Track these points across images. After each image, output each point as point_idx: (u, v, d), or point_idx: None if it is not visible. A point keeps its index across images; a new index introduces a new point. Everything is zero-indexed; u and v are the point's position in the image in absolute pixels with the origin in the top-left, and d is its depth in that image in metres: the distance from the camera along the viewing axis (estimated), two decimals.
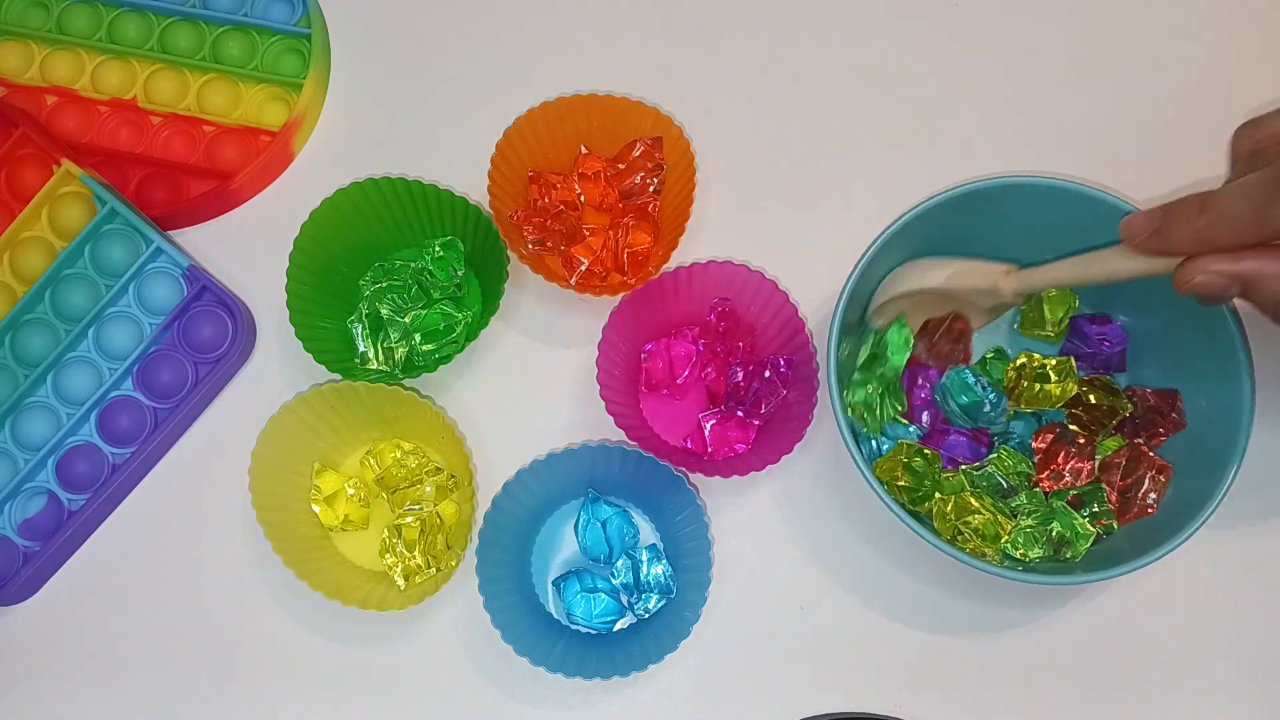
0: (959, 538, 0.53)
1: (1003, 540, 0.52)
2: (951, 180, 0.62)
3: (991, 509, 0.53)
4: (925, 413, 0.57)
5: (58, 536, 0.58)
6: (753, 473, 0.55)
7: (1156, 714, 0.55)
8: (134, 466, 0.59)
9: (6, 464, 0.59)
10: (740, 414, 0.57)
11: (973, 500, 0.53)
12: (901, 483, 0.54)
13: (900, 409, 0.56)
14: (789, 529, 0.58)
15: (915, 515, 0.53)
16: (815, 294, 0.60)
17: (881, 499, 0.50)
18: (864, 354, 0.57)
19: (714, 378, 0.59)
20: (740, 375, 0.57)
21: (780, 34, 0.66)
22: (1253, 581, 0.57)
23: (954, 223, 0.55)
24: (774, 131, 0.65)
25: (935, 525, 0.54)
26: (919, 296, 0.55)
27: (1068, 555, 0.53)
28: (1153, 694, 0.56)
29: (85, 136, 0.65)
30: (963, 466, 0.54)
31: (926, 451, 0.54)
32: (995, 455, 0.55)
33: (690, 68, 0.65)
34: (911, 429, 0.57)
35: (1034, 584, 0.53)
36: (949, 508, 0.53)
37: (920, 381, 0.57)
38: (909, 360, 0.56)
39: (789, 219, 0.63)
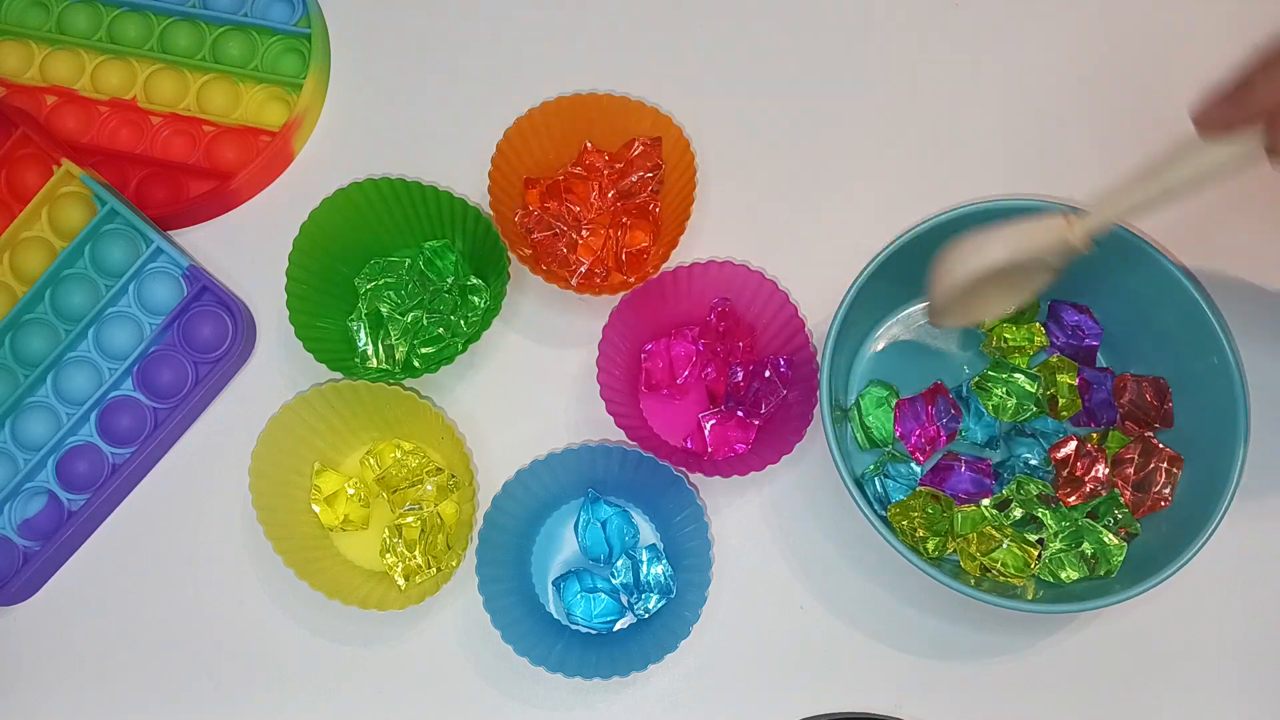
0: (988, 574, 0.53)
1: (1033, 567, 0.53)
2: (950, 180, 0.63)
3: (1015, 538, 0.53)
4: (926, 446, 0.56)
5: (58, 536, 0.58)
6: (753, 473, 0.55)
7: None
8: (134, 466, 0.59)
9: (6, 464, 0.59)
10: (740, 414, 0.57)
11: (996, 533, 0.53)
12: (919, 533, 0.54)
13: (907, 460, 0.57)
14: (789, 529, 0.58)
15: (916, 550, 0.53)
16: (815, 294, 0.60)
17: (898, 550, 0.50)
18: (856, 435, 0.57)
19: (714, 378, 0.59)
20: (740, 375, 0.57)
21: (781, 34, 0.66)
22: (1267, 588, 0.57)
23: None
24: (774, 131, 0.65)
25: (962, 564, 0.54)
26: (981, 278, 0.50)
27: (1103, 571, 0.53)
28: (1168, 700, 0.56)
29: (85, 136, 0.65)
30: (984, 503, 0.54)
31: (940, 496, 0.54)
32: (1012, 487, 0.54)
33: (690, 68, 0.65)
34: (915, 467, 0.56)
35: (1073, 613, 0.53)
36: (973, 546, 0.53)
37: (924, 419, 0.56)
38: (908, 398, 0.57)
39: (789, 219, 0.63)
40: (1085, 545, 0.53)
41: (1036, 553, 0.53)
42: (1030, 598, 0.52)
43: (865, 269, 0.53)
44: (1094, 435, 0.56)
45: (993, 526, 0.53)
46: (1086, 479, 0.54)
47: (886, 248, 0.53)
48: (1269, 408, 0.56)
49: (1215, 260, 0.60)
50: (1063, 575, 0.53)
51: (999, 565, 0.52)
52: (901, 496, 0.55)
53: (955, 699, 0.55)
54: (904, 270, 0.54)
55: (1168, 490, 0.53)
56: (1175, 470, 0.54)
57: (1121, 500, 0.54)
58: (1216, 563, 0.54)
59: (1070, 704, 0.55)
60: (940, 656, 0.56)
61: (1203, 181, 0.43)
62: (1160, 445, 0.54)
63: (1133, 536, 0.54)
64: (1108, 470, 0.54)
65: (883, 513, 0.55)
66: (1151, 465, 0.54)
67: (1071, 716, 0.55)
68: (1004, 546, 0.52)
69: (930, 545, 0.53)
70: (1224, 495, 0.50)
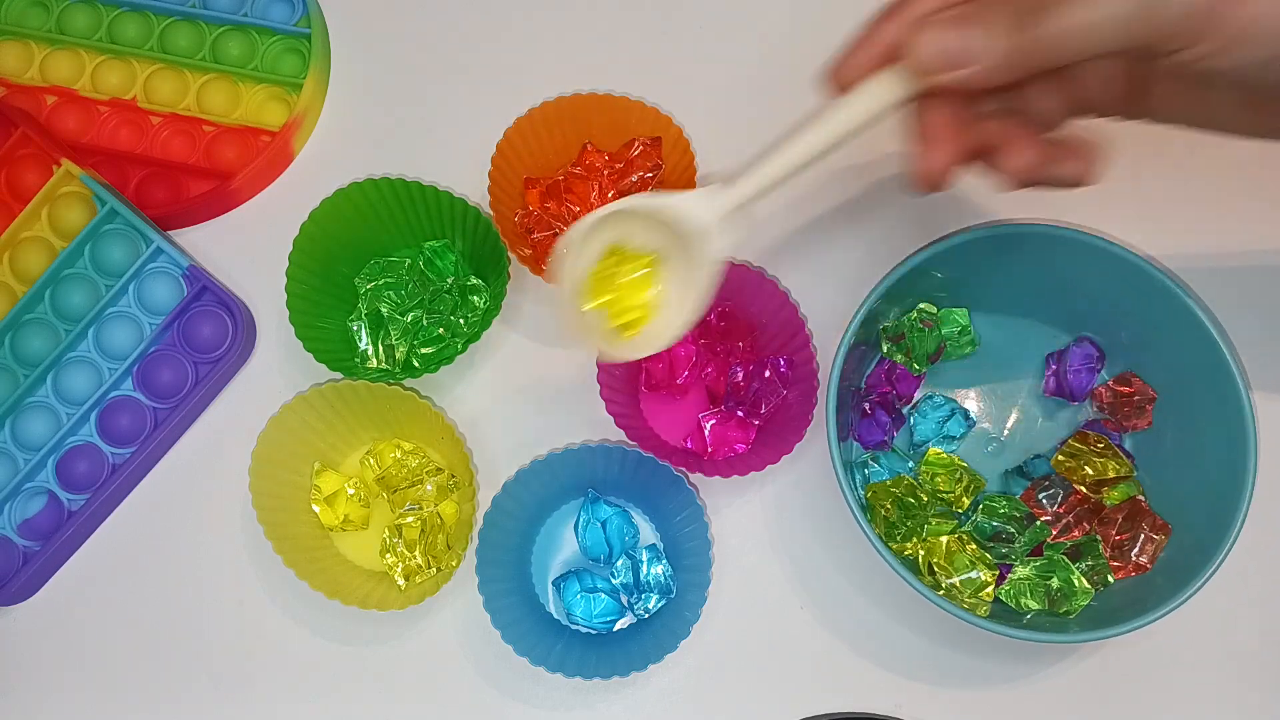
0: (944, 585, 0.53)
1: (988, 590, 0.52)
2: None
3: (977, 557, 0.52)
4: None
5: (58, 536, 0.58)
6: (753, 473, 0.55)
7: None
8: (134, 466, 0.59)
9: (6, 464, 0.59)
10: (740, 414, 0.57)
11: (969, 546, 0.53)
12: (888, 515, 0.54)
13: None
14: (789, 529, 0.58)
15: (900, 556, 0.53)
16: (815, 293, 0.60)
17: (887, 560, 0.49)
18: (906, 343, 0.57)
19: (714, 378, 0.59)
20: (740, 375, 0.57)
21: (781, 33, 0.66)
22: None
23: (974, 262, 0.54)
24: (774, 131, 0.64)
25: (919, 564, 0.54)
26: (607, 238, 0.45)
27: (1063, 610, 0.52)
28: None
29: (85, 136, 0.65)
30: (968, 527, 0.54)
31: (921, 494, 0.54)
32: (983, 505, 0.54)
33: (690, 68, 0.65)
34: (910, 464, 0.57)
35: (1024, 640, 0.51)
36: (937, 556, 0.53)
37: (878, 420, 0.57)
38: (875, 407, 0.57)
39: (789, 218, 0.63)
40: (1053, 579, 0.53)
41: (994, 581, 0.52)
42: (982, 615, 0.51)
43: (874, 289, 0.53)
44: (1089, 442, 0.55)
45: (965, 537, 0.53)
46: (1064, 518, 0.54)
47: (898, 267, 0.53)
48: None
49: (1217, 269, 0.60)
50: (1024, 603, 0.53)
51: (957, 585, 0.52)
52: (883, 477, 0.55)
53: (955, 699, 0.55)
54: (929, 280, 0.54)
55: (1145, 558, 0.53)
56: (1160, 538, 0.52)
57: (1101, 548, 0.53)
58: (1221, 592, 0.52)
59: (1071, 703, 0.55)
60: (940, 657, 0.56)
61: (845, 140, 0.42)
62: (1149, 511, 0.53)
63: (1104, 585, 0.53)
64: (1079, 519, 0.54)
65: (864, 499, 0.55)
66: (1136, 530, 0.53)
67: (1071, 715, 0.55)
68: (971, 574, 0.52)
69: (899, 534, 0.53)
70: (1213, 560, 0.48)
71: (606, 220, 0.44)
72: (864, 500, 0.55)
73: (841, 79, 0.42)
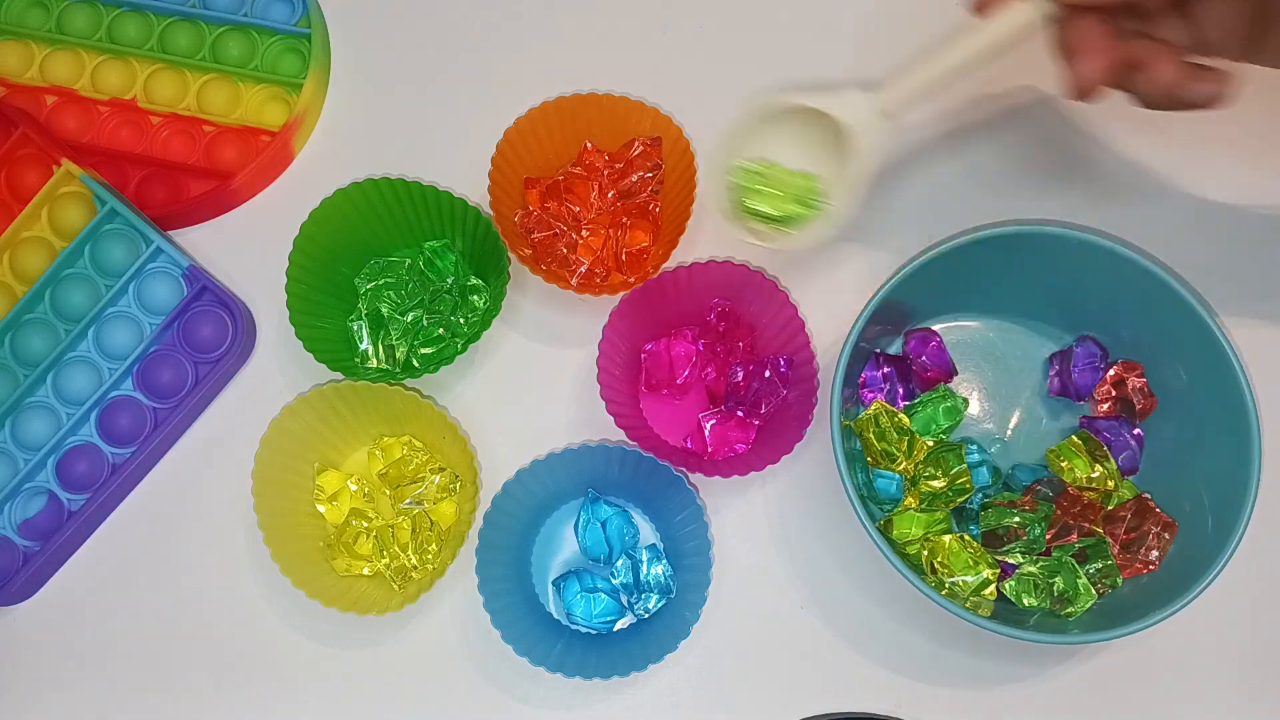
0: (946, 584, 0.53)
1: (989, 590, 0.52)
2: (951, 179, 0.63)
3: (979, 556, 0.52)
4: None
5: (58, 536, 0.58)
6: (753, 473, 0.55)
7: None
8: (134, 466, 0.59)
9: (6, 464, 0.59)
10: (740, 414, 0.57)
11: (971, 545, 0.53)
12: (878, 446, 0.54)
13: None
14: (789, 529, 0.58)
15: (900, 553, 0.53)
16: (815, 294, 0.60)
17: (888, 558, 0.49)
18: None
19: (714, 378, 0.59)
20: (740, 375, 0.57)
21: (780, 34, 0.66)
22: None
23: (976, 265, 0.54)
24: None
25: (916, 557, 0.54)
26: (776, 132, 0.51)
27: (1065, 612, 0.52)
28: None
29: (85, 136, 0.65)
30: (968, 534, 0.54)
31: (901, 420, 0.54)
32: (983, 505, 0.54)
33: (690, 68, 0.65)
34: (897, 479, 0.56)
35: (1025, 640, 0.51)
36: (940, 556, 0.53)
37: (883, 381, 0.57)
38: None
39: None
40: (1058, 580, 0.52)
41: (995, 580, 0.52)
42: (984, 614, 0.51)
43: (876, 293, 0.53)
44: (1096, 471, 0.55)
45: (961, 541, 0.53)
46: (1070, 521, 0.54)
47: (899, 270, 0.53)
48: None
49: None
50: (1026, 601, 0.53)
51: (959, 584, 0.52)
52: (890, 488, 0.55)
53: (955, 699, 0.55)
54: (930, 284, 0.54)
55: (1154, 555, 0.52)
56: (1167, 536, 0.52)
57: (1110, 550, 0.53)
58: (1224, 593, 0.52)
59: (1072, 703, 0.55)
60: (939, 656, 0.56)
61: (991, 55, 0.47)
62: (1156, 509, 0.53)
63: (1112, 587, 0.53)
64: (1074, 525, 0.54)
65: (874, 508, 0.55)
66: (1144, 528, 0.53)
67: (1072, 716, 0.55)
68: (972, 574, 0.52)
69: (884, 460, 0.53)
70: (1217, 562, 0.48)
71: (765, 123, 0.50)
72: (885, 534, 0.54)
73: (984, 6, 0.46)
